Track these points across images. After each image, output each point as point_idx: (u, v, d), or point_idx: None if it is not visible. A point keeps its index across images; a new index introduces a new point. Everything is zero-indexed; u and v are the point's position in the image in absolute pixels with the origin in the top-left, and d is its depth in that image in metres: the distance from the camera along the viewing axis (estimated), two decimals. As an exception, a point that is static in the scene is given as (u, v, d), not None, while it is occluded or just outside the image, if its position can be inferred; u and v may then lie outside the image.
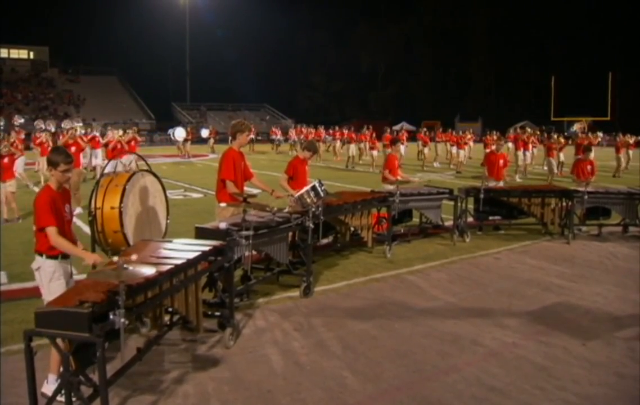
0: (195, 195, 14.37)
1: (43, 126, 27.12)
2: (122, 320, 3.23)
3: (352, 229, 7.69)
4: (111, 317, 3.26)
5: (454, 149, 23.21)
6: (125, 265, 3.28)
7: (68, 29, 63.32)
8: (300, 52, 69.64)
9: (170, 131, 31.40)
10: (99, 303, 3.27)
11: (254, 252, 5.27)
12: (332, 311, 5.73)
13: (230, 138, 6.22)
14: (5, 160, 10.89)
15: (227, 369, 4.43)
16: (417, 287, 6.59)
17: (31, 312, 5.58)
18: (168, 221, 6.30)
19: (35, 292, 6.37)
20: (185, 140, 35.79)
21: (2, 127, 23.86)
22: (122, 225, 5.61)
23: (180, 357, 4.64)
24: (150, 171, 6.14)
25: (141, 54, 61.45)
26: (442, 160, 25.20)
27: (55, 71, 59.37)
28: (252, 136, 34.69)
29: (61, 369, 3.83)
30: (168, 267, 3.96)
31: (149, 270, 3.51)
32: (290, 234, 6.14)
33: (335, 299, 6.15)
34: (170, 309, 4.54)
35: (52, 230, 3.82)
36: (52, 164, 3.92)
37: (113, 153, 13.66)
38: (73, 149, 12.06)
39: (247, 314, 5.59)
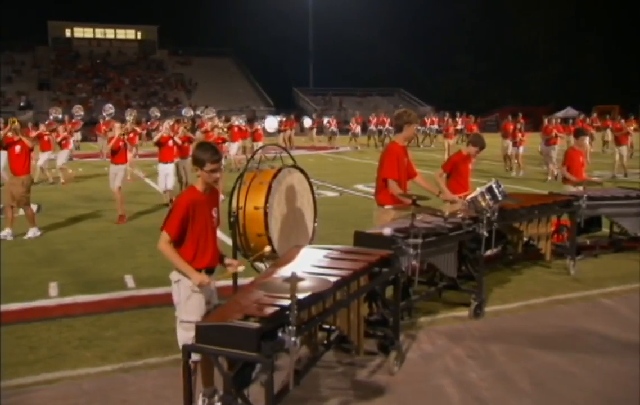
0: (329, 193, 14.78)
1: (158, 114, 29.72)
2: (293, 339, 3.35)
3: (526, 238, 7.41)
4: (280, 335, 3.40)
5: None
6: (297, 276, 3.44)
7: (178, 6, 68.17)
8: (441, 27, 68.21)
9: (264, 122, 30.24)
10: (267, 319, 3.45)
11: (415, 263, 5.29)
12: (512, 337, 5.60)
13: (394, 130, 6.29)
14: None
15: (394, 399, 4.51)
16: (616, 315, 6.25)
17: (165, 321, 6.27)
18: (316, 224, 6.55)
19: (167, 299, 7.09)
20: (311, 128, 37.01)
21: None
22: (267, 227, 5.91)
23: (339, 383, 4.80)
24: (297, 167, 6.41)
25: (259, 33, 64.49)
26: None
27: (164, 53, 64.65)
28: (388, 127, 34.79)
29: (213, 388, 4.17)
30: (335, 279, 4.10)
31: (318, 283, 3.65)
32: (458, 243, 6.07)
33: (512, 322, 6.01)
34: (328, 327, 4.74)
35: (164, 237, 4.04)
36: (197, 162, 4.08)
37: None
38: (170, 143, 12.59)
39: (409, 334, 5.64)
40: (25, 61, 59.70)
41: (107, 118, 26.59)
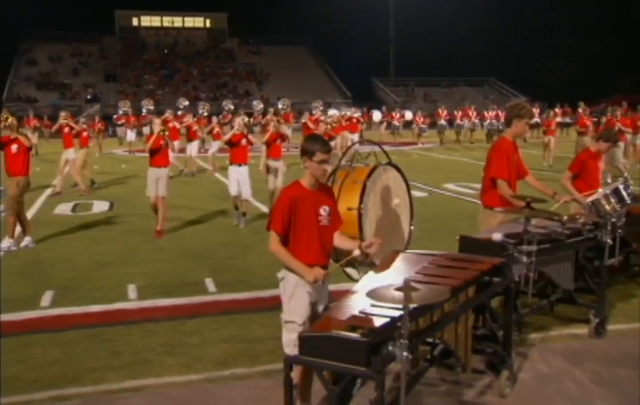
0: (417, 193, 14.59)
1: (231, 107, 30.48)
2: (405, 354, 3.34)
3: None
4: (390, 348, 3.40)
5: None
6: (411, 285, 3.43)
7: (249, -9, 69.31)
8: (541, 7, 65.86)
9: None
10: (377, 330, 3.46)
11: (529, 273, 5.15)
12: (641, 362, 5.34)
13: (504, 125, 6.18)
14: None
15: (508, 425, 4.42)
16: None
17: (250, 329, 6.41)
18: (412, 227, 6.51)
19: (251, 305, 7.31)
20: (381, 122, 36.99)
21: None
22: (360, 230, 5.93)
23: (443, 403, 4.75)
24: (393, 165, 6.40)
25: (335, 20, 64.57)
26: None
27: (234, 42, 66.15)
28: (473, 121, 34.10)
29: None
30: (448, 288, 4.05)
31: (433, 293, 3.63)
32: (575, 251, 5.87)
33: (640, 344, 5.74)
34: (432, 341, 4.69)
35: (273, 237, 4.15)
36: (307, 153, 4.17)
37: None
38: (243, 141, 11.58)
39: (519, 352, 5.50)
40: (92, 52, 62.73)
41: (180, 112, 27.65)
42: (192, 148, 20.03)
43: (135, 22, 66.29)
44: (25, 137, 10.41)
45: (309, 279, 4.09)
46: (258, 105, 30.19)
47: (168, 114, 20.73)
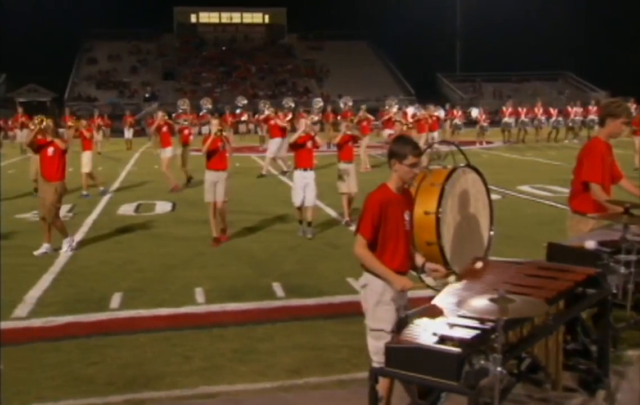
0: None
1: (292, 104, 30.67)
2: (499, 369, 3.29)
3: None
4: (482, 362, 3.35)
5: None
6: (506, 295, 3.37)
7: (309, -15, 69.65)
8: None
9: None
10: (468, 343, 3.41)
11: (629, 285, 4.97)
12: None
13: (598, 124, 6.01)
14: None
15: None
16: None
17: (322, 336, 6.42)
18: (492, 233, 6.39)
19: (321, 311, 7.34)
20: (445, 120, 36.41)
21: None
22: (438, 235, 5.85)
23: (532, 421, 4.65)
24: (472, 167, 6.30)
25: (397, 13, 64.26)
26: None
27: (294, 37, 66.74)
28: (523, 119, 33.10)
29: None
30: (543, 300, 3.96)
31: (529, 305, 3.55)
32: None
33: None
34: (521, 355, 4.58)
35: (360, 241, 4.15)
36: (397, 155, 4.17)
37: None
38: (309, 144, 11.11)
39: (615, 371, 5.30)
40: (151, 50, 64.42)
41: (239, 111, 28.05)
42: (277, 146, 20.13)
43: (193, 18, 67.70)
44: (61, 139, 10.36)
45: (397, 287, 4.08)
46: (318, 103, 30.20)
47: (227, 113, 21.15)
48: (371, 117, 24.66)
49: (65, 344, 6.26)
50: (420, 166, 4.43)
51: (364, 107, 24.35)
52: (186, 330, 6.64)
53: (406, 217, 4.29)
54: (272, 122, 20.91)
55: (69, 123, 19.12)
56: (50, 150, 9.95)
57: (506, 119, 32.18)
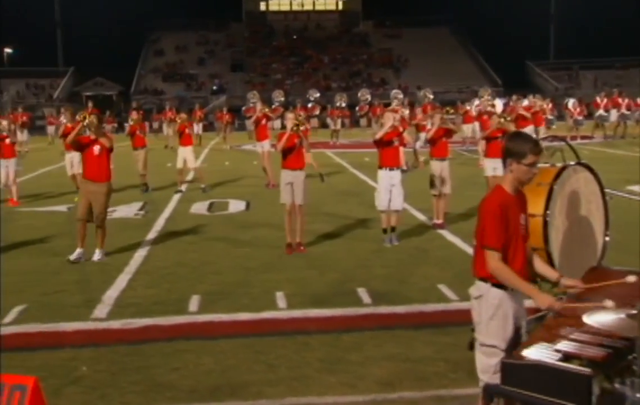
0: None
1: (368, 97, 30.78)
2: (638, 395, 3.17)
3: None
4: (617, 386, 3.23)
5: None
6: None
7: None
8: None
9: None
10: (600, 363, 3.26)
11: None
12: None
13: None
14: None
15: None
16: None
17: (415, 347, 6.33)
18: (607, 239, 6.18)
19: (411, 321, 7.30)
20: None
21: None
22: (546, 240, 5.70)
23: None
24: (584, 164, 6.11)
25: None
26: None
27: (369, 25, 66.73)
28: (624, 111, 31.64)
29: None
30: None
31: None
32: None
33: None
34: None
35: (492, 256, 4.01)
36: (515, 154, 4.05)
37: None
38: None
39: None
40: (219, 41, 65.71)
41: (311, 104, 28.23)
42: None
43: (262, 6, 68.65)
44: (106, 137, 10.10)
45: (542, 306, 3.95)
46: (397, 95, 29.77)
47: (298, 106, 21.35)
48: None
49: (145, 348, 6.43)
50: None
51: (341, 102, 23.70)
52: (268, 336, 6.71)
53: (522, 221, 4.18)
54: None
55: (178, 118, 19.53)
56: (96, 148, 9.75)
57: (601, 112, 30.64)
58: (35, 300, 7.87)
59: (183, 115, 18.44)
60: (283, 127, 17.94)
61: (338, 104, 29.80)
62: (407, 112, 19.60)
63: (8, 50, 64.31)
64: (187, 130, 17.24)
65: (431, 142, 11.61)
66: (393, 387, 5.46)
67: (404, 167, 18.93)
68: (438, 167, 11.34)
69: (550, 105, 33.17)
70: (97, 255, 9.75)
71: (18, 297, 7.91)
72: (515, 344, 3.94)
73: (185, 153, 16.89)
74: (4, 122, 16.72)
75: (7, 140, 15.38)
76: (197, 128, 34.44)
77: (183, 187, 17.04)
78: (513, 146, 4.09)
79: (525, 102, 24.75)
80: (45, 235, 11.51)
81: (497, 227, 3.99)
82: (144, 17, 63.34)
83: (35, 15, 63.68)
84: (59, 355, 6.23)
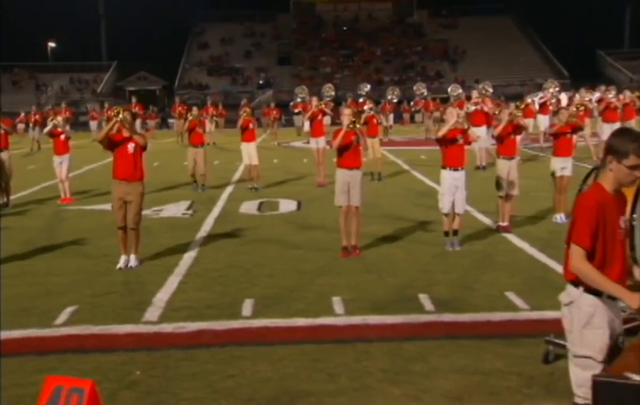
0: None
1: (424, 91, 30.55)
2: None
3: None
4: None
5: None
6: None
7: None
8: None
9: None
10: None
11: None
12: None
13: None
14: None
15: None
16: None
17: (484, 358, 6.27)
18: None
19: (478, 331, 7.24)
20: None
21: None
22: (632, 246, 5.58)
23: None
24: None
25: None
26: None
27: (424, 15, 66.33)
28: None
29: None
30: None
31: None
32: None
33: None
34: None
35: (578, 252, 3.93)
36: (616, 152, 3.96)
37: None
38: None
39: None
40: (265, 33, 66.18)
41: (362, 99, 28.06)
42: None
43: (311, -4, 68.76)
44: (140, 135, 10.10)
45: (634, 306, 3.86)
46: (455, 90, 28.94)
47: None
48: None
49: (199, 353, 6.51)
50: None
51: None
52: (326, 343, 6.73)
53: (622, 223, 4.07)
54: (477, 107, 19.96)
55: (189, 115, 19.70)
56: (130, 146, 9.59)
57: None
58: (86, 301, 8.06)
59: (195, 112, 18.32)
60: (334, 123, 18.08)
61: (390, 98, 29.56)
62: (473, 108, 19.16)
63: (52, 44, 66.06)
64: (197, 129, 17.39)
65: (498, 139, 11.38)
66: (462, 401, 5.41)
67: (483, 164, 18.83)
68: (506, 167, 11.09)
69: (623, 97, 32.07)
70: (133, 262, 9.68)
71: (69, 298, 8.14)
72: (612, 356, 3.86)
73: (250, 148, 17.03)
74: (59, 118, 17.16)
75: (62, 136, 15.85)
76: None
77: (199, 188, 17.15)
78: (616, 143, 3.97)
79: (597, 95, 23.96)
80: (94, 234, 11.83)
81: (590, 225, 3.91)
82: (188, 8, 64.25)
83: (78, 9, 65.18)
84: (111, 359, 6.37)
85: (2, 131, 15.47)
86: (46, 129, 17.11)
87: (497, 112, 17.33)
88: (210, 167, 18.78)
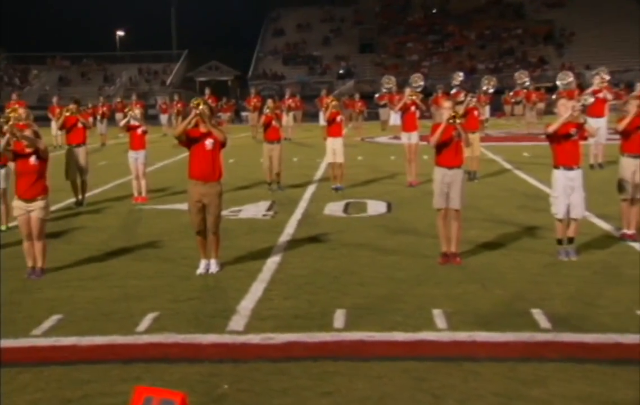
0: None
1: (526, 81, 29.87)
2: None
3: None
4: None
5: None
6: None
7: None
8: None
9: None
10: None
11: None
12: None
13: None
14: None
15: None
16: None
17: (613, 386, 6.01)
18: None
19: (604, 352, 6.78)
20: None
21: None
22: None
23: None
24: None
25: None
26: None
27: (525, -7, 64.83)
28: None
29: None
30: None
31: None
32: None
33: None
34: None
35: None
36: None
37: None
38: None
39: None
40: (346, 17, 66.30)
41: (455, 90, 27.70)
42: None
43: (397, -24, 68.48)
44: (219, 130, 9.91)
45: None
46: (565, 78, 27.41)
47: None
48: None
49: (290, 367, 6.54)
50: None
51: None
52: (429, 361, 6.65)
53: None
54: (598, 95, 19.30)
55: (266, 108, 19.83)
56: (208, 143, 9.54)
57: None
58: (167, 307, 8.24)
59: (270, 104, 18.20)
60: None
61: (485, 89, 28.97)
62: (591, 99, 18.55)
63: (120, 33, 67.99)
64: (274, 123, 17.34)
65: (624, 134, 10.89)
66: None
67: (599, 162, 18.28)
68: (632, 166, 10.63)
69: None
70: (213, 267, 9.78)
71: (149, 303, 8.35)
72: None
73: (335, 144, 16.95)
74: (137, 110, 17.53)
75: (139, 130, 16.05)
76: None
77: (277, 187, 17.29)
78: None
79: None
80: (171, 236, 12.12)
81: None
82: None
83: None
84: (197, 369, 6.47)
85: (80, 125, 15.95)
86: (122, 122, 17.46)
87: (623, 102, 16.46)
88: (286, 165, 18.85)
